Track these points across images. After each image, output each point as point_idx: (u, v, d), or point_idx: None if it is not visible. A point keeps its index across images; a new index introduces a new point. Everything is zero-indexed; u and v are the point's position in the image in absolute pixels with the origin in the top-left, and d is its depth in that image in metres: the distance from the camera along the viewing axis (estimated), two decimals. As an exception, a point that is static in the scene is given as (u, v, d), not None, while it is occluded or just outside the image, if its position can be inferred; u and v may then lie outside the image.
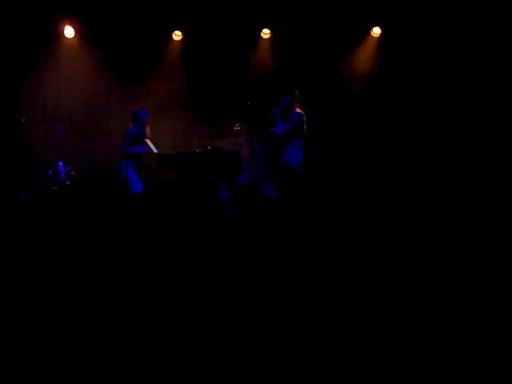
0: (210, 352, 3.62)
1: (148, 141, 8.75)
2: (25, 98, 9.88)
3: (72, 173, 9.41)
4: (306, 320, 4.14)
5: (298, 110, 8.01)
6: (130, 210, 7.52)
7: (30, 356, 3.53)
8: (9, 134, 9.62)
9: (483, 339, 3.81)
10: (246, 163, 8.94)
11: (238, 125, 8.84)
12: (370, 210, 8.26)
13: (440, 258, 5.72)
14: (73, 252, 5.72)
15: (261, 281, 4.93)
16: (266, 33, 10.18)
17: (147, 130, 8.78)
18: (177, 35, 10.17)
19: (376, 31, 10.07)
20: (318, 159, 9.98)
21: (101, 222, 6.98)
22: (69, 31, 9.88)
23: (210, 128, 9.72)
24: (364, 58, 10.19)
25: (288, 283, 4.90)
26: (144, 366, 3.46)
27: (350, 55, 10.16)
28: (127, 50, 10.05)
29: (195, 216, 7.62)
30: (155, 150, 8.69)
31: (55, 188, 8.58)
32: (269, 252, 5.75)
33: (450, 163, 9.56)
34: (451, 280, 5.06)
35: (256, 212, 7.21)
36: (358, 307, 4.39)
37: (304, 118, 8.01)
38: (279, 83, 9.99)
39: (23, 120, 9.35)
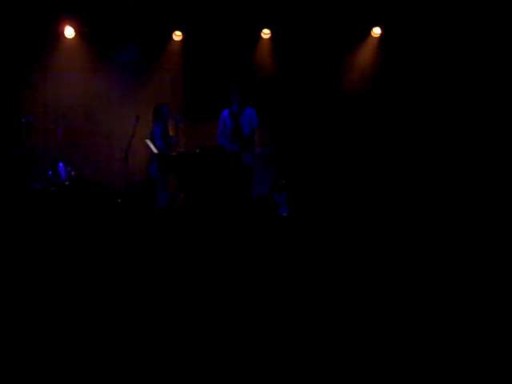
0: (210, 352, 3.63)
1: (148, 141, 8.74)
2: (25, 98, 9.87)
3: (72, 173, 9.41)
4: (305, 320, 4.14)
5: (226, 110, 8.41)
6: (131, 212, 7.52)
7: (29, 356, 3.53)
8: (9, 135, 9.62)
9: (483, 339, 3.81)
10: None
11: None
12: (369, 211, 8.26)
13: (440, 258, 5.72)
14: (73, 252, 5.72)
15: (261, 282, 4.93)
16: (266, 33, 10.17)
17: (169, 126, 8.76)
18: (177, 35, 10.17)
19: (376, 31, 10.07)
20: (318, 159, 9.99)
21: (101, 223, 6.97)
22: (69, 31, 9.89)
23: (210, 128, 9.71)
24: (364, 57, 10.19)
25: (287, 284, 4.90)
26: (144, 366, 3.46)
27: (350, 55, 10.16)
28: (127, 51, 10.05)
29: (196, 216, 7.61)
30: (155, 151, 8.68)
31: (54, 188, 8.58)
32: (269, 253, 5.75)
33: (451, 163, 9.56)
34: (451, 280, 5.06)
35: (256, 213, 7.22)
36: (357, 308, 4.39)
37: (221, 116, 8.45)
38: (279, 83, 10.02)
39: (23, 120, 9.36)
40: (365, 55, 10.19)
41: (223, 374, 3.39)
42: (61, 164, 9.40)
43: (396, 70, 9.96)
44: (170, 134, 8.72)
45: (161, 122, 8.72)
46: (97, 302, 4.42)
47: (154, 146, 8.68)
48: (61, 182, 9.08)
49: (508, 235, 6.65)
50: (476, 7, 9.44)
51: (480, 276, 5.18)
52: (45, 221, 6.97)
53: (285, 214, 8.48)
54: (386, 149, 9.92)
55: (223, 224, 7.12)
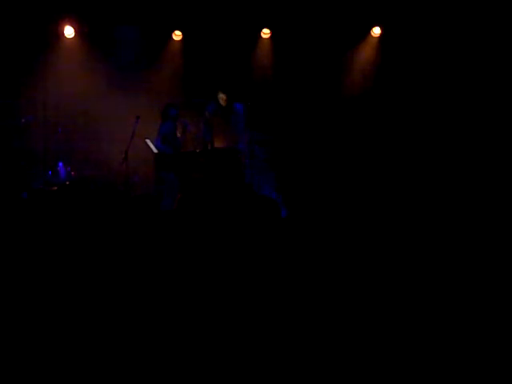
0: (210, 352, 3.63)
1: (148, 141, 8.75)
2: (25, 98, 9.87)
3: (72, 173, 9.42)
4: (305, 321, 4.14)
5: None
6: (131, 212, 7.50)
7: (30, 356, 3.53)
8: (9, 135, 9.62)
9: (483, 339, 3.82)
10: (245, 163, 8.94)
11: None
12: (369, 213, 8.26)
13: (440, 259, 5.72)
14: (73, 253, 5.72)
15: (260, 281, 4.93)
16: (265, 33, 10.17)
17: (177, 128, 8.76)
18: (177, 35, 10.17)
19: (376, 31, 10.07)
20: (318, 159, 9.99)
21: (101, 223, 6.97)
22: (69, 31, 9.89)
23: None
24: (364, 57, 10.20)
25: (287, 285, 4.90)
26: (144, 366, 3.46)
27: (350, 55, 10.16)
28: (127, 51, 10.05)
29: (196, 216, 7.61)
30: (155, 150, 8.68)
31: (55, 188, 8.59)
32: (268, 253, 5.75)
33: (452, 163, 9.56)
34: (451, 280, 5.06)
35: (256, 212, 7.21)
36: (357, 308, 4.39)
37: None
38: (279, 83, 10.02)
39: (23, 120, 9.37)
40: (365, 55, 10.20)
41: (223, 374, 3.39)
42: (61, 164, 9.41)
43: (396, 70, 9.97)
44: (178, 135, 8.70)
45: (169, 122, 8.69)
46: (97, 302, 4.43)
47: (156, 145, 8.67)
48: (61, 182, 9.09)
49: (508, 235, 6.66)
50: (476, 7, 9.44)
51: (480, 276, 5.18)
52: (45, 221, 6.98)
53: (283, 216, 8.49)
54: (385, 149, 9.92)
55: (222, 224, 7.12)
